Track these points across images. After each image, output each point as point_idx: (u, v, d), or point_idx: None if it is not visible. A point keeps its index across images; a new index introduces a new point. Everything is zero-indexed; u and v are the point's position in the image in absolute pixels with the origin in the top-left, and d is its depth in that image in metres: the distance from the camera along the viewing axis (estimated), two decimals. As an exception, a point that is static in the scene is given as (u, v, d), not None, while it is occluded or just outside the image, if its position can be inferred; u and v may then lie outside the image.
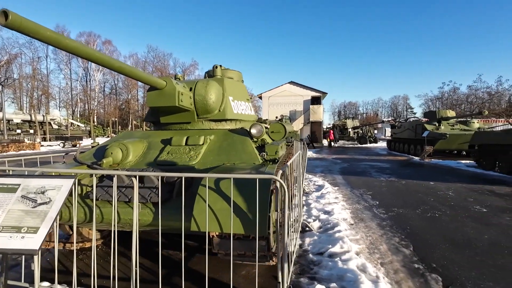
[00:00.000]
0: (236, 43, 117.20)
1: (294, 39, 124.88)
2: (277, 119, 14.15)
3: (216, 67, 4.23)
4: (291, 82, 29.64)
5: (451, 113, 15.77)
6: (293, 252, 3.15)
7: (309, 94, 29.32)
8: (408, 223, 4.26)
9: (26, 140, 24.33)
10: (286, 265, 2.08)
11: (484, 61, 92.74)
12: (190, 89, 3.65)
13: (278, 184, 2.01)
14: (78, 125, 39.07)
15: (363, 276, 2.57)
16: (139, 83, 42.85)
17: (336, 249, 3.20)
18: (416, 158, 14.07)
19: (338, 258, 2.97)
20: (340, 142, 28.48)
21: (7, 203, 1.82)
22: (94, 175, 2.24)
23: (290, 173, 3.13)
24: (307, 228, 3.98)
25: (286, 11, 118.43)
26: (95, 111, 50.31)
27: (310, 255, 3.16)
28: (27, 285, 2.28)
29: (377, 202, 5.52)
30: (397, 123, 21.34)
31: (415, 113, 72.64)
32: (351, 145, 26.53)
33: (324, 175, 9.03)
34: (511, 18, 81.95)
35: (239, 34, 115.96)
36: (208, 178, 2.12)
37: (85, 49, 2.14)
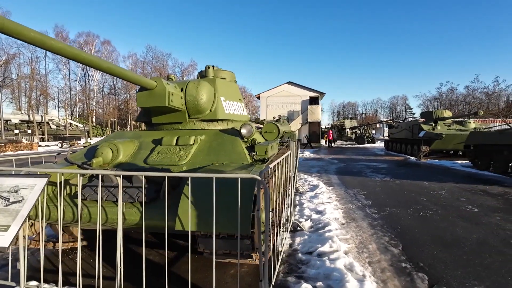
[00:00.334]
0: (235, 43, 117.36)
1: (293, 39, 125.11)
2: (275, 119, 14.19)
3: (208, 68, 4.24)
4: (289, 83, 29.67)
5: (447, 113, 15.83)
6: (282, 251, 3.17)
7: (307, 95, 29.36)
8: (399, 223, 4.29)
9: (24, 140, 24.32)
10: (267, 263, 2.10)
11: (481, 61, 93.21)
12: (182, 90, 3.66)
13: (259, 184, 2.03)
14: (76, 125, 39.00)
15: (349, 275, 2.60)
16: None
17: (325, 248, 3.22)
18: (413, 158, 14.11)
19: (327, 257, 2.99)
20: (338, 142, 28.52)
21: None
22: (79, 175, 2.26)
23: (273, 173, 3.14)
24: (298, 228, 4.00)
25: (286, 11, 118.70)
26: (94, 111, 50.29)
27: (299, 255, 3.18)
28: (14, 284, 2.29)
29: (370, 202, 5.54)
30: (394, 123, 21.38)
31: (413, 113, 72.89)
32: (349, 145, 26.58)
33: (320, 175, 9.06)
34: (508, 19, 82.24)
35: (238, 34, 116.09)
36: (191, 178, 2.14)
37: (71, 50, 2.12)
